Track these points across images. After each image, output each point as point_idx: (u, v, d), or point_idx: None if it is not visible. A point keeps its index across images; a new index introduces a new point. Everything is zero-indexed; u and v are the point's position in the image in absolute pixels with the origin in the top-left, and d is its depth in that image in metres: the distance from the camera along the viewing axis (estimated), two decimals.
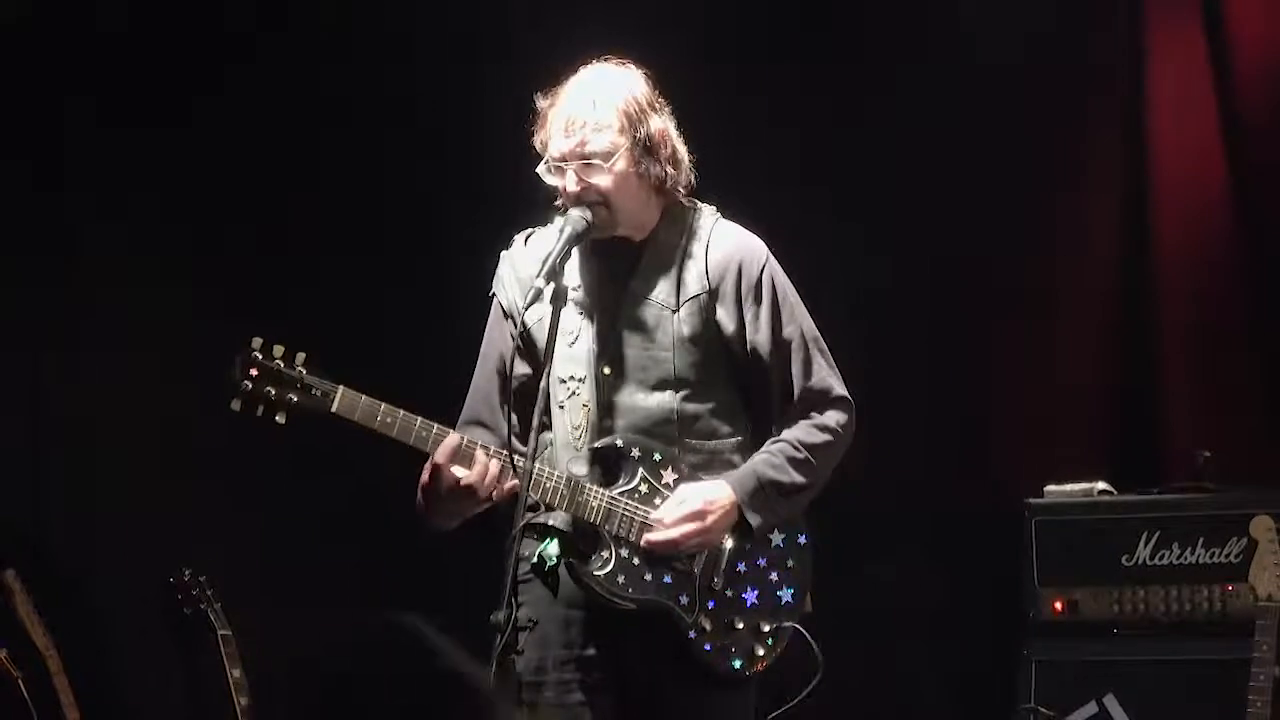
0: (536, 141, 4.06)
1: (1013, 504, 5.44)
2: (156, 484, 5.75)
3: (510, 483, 3.91)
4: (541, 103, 4.07)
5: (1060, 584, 5.35)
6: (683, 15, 5.98)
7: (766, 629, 4.05)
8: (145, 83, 5.85)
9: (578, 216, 3.98)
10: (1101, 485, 5.48)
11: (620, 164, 4.02)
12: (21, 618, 5.37)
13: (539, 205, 4.15)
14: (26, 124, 5.70)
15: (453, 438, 3.91)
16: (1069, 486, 5.46)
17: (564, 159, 4.01)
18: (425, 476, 3.93)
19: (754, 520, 4.01)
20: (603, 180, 4.01)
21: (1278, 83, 5.79)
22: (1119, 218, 6.01)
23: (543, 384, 3.92)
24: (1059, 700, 5.28)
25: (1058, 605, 5.34)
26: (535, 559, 4.03)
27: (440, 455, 3.89)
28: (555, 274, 3.92)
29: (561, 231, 3.97)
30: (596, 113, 4.03)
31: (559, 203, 4.09)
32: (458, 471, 3.90)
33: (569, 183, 4.01)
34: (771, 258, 4.15)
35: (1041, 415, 5.96)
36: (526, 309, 3.99)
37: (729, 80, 6.00)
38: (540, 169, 4.06)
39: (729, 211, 4.21)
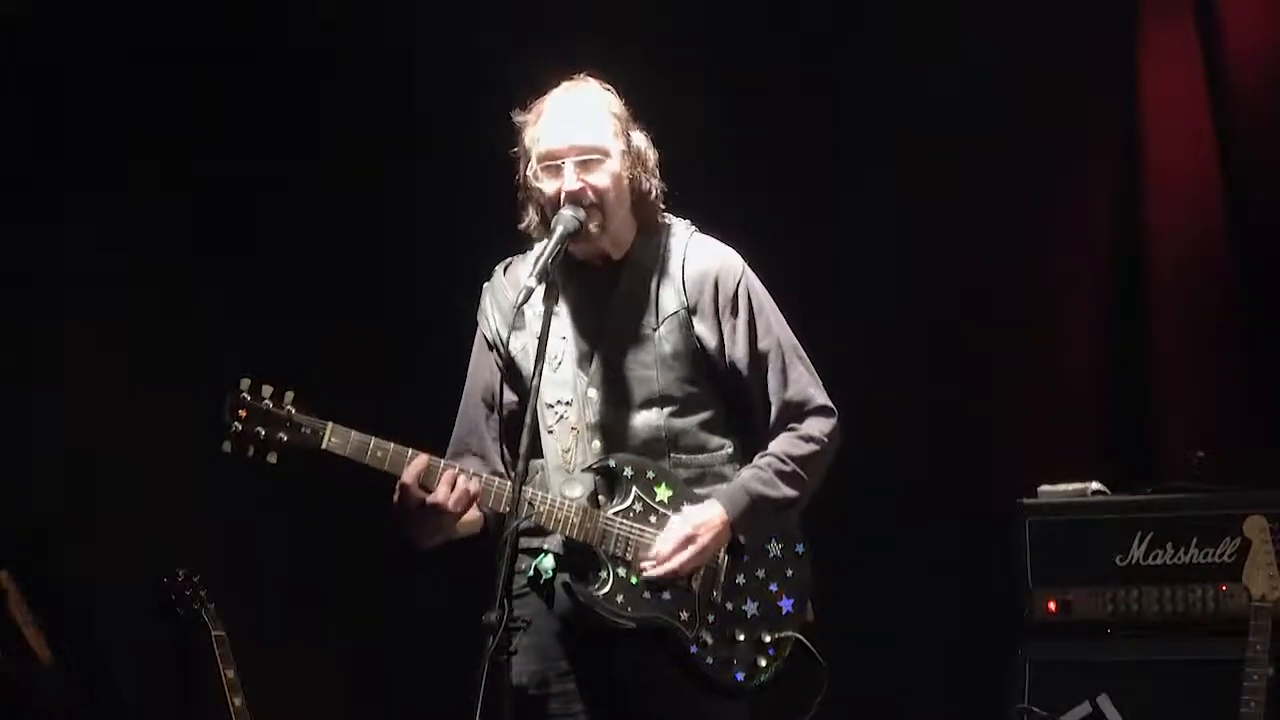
0: (527, 139, 4.05)
1: (1006, 504, 5.45)
2: (151, 485, 5.76)
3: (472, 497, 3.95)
4: (521, 115, 4.07)
5: (1054, 584, 5.34)
6: (682, 20, 5.99)
7: (768, 640, 4.05)
8: (145, 82, 5.86)
9: (569, 215, 3.96)
10: (1095, 485, 5.47)
11: (616, 165, 4.03)
12: (15, 618, 5.37)
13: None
14: (25, 123, 5.71)
15: (421, 459, 3.94)
16: (1062, 487, 5.46)
17: (560, 155, 4.00)
18: (395, 496, 3.95)
19: (744, 538, 4.02)
20: (600, 180, 4.00)
21: (1270, 82, 5.80)
22: (1113, 217, 6.02)
23: (530, 405, 3.88)
24: (1053, 700, 5.28)
25: (1051, 605, 5.34)
26: (531, 572, 4.05)
27: (407, 475, 3.92)
28: (547, 273, 3.91)
29: (553, 231, 3.95)
30: (594, 112, 4.04)
31: (526, 226, 4.10)
32: (424, 492, 3.93)
33: (567, 181, 3.99)
34: (747, 270, 4.14)
35: (1035, 415, 5.97)
36: (514, 321, 4.00)
37: (728, 83, 6.01)
38: (529, 172, 4.05)
39: (722, 223, 4.21)
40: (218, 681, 5.52)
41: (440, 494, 3.92)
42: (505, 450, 4.08)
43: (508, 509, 3.87)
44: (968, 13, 5.98)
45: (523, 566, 4.04)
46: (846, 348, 5.42)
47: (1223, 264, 5.87)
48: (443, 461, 3.98)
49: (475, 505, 3.98)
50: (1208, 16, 5.87)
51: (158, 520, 5.74)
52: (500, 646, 3.70)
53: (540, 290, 3.91)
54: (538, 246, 4.11)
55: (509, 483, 3.94)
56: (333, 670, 5.99)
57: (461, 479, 3.94)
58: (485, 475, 3.99)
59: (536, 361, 3.90)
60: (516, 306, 3.93)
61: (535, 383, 3.89)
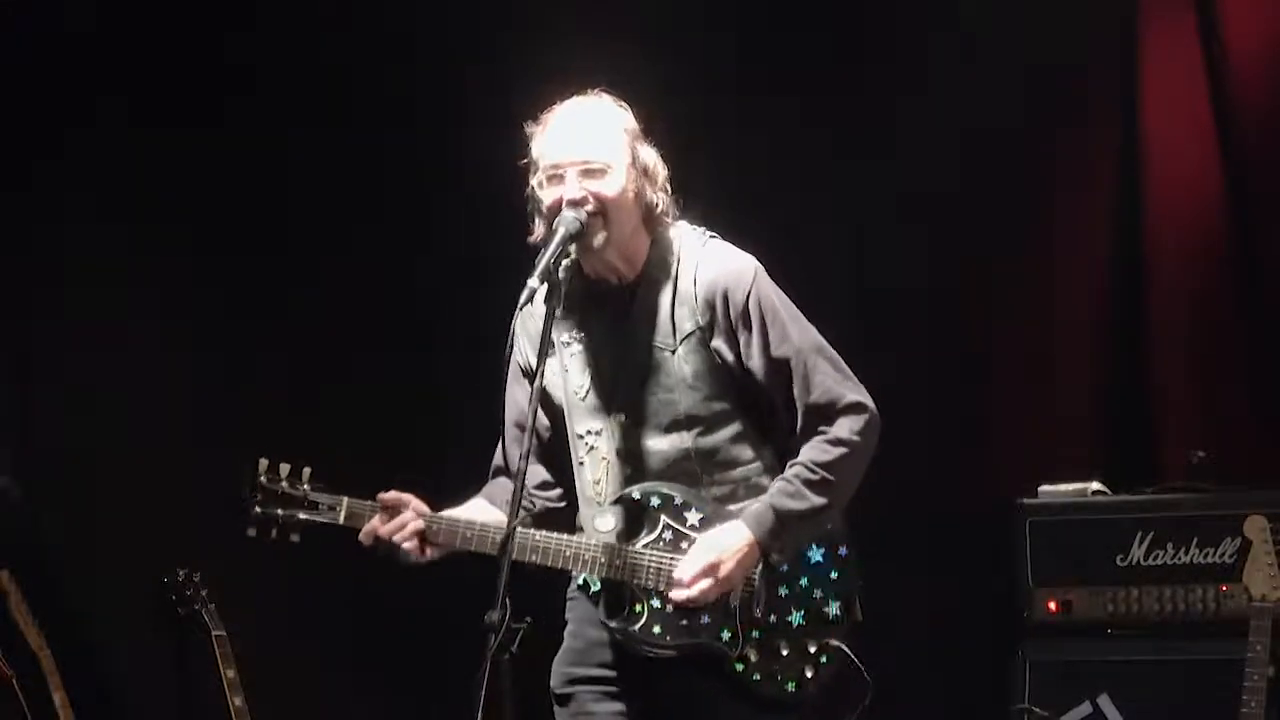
0: (534, 150, 4.02)
1: (1007, 504, 5.44)
2: (153, 484, 5.75)
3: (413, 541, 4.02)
4: (532, 127, 4.04)
5: (1054, 584, 5.35)
6: (682, 18, 5.99)
7: (814, 649, 4.01)
8: (145, 84, 5.86)
9: (571, 216, 3.93)
10: (1095, 485, 5.48)
11: (621, 178, 3.99)
12: (15, 618, 5.37)
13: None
14: (25, 123, 5.71)
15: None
16: (1063, 486, 5.46)
17: (563, 165, 3.97)
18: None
19: (775, 558, 3.97)
20: (604, 188, 3.96)
21: (1272, 82, 5.80)
22: (1113, 217, 6.02)
23: (531, 405, 3.89)
24: (1053, 700, 5.28)
25: (1052, 605, 5.34)
26: (580, 581, 4.08)
27: (364, 534, 4.04)
28: (549, 274, 3.89)
29: (555, 231, 3.93)
30: (599, 126, 4.01)
31: (535, 239, 4.05)
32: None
33: (569, 190, 3.95)
34: (760, 276, 4.05)
35: (1036, 415, 5.97)
36: (547, 357, 3.99)
37: (727, 81, 6.01)
38: (534, 181, 4.02)
39: (722, 225, 4.17)
40: (218, 681, 5.52)
41: (385, 527, 4.00)
42: (544, 472, 4.13)
43: (491, 551, 3.93)
44: (968, 12, 5.97)
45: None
46: (846, 348, 5.43)
47: (1223, 264, 5.86)
48: (402, 499, 4.03)
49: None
50: (1208, 16, 5.87)
51: (158, 520, 5.74)
52: (502, 646, 3.70)
53: (542, 290, 3.90)
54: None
55: (482, 525, 4.00)
56: (333, 670, 5.99)
57: (407, 521, 3.99)
58: (462, 521, 4.03)
59: (538, 363, 3.92)
60: (519, 306, 3.90)
61: (537, 384, 3.90)
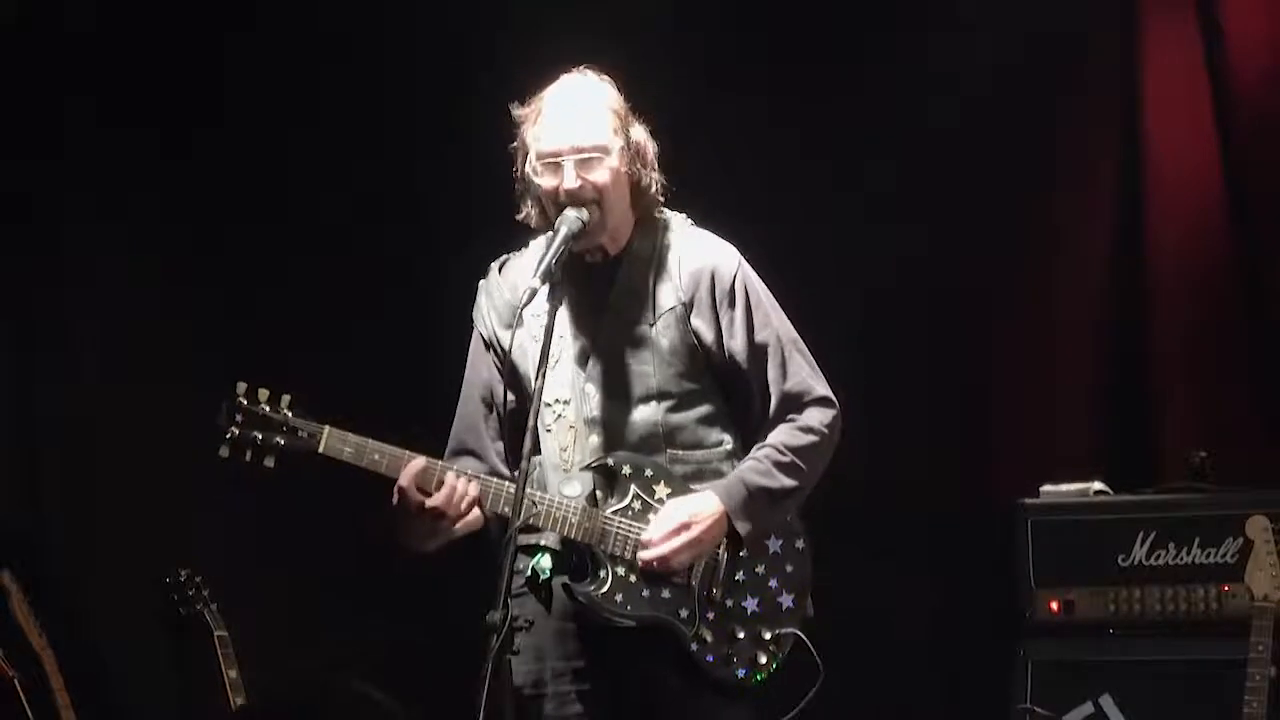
0: (527, 137, 4.05)
1: (1008, 504, 5.44)
2: (153, 484, 5.75)
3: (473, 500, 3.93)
4: (520, 110, 4.07)
5: (1056, 584, 5.35)
6: (683, 17, 5.99)
7: (768, 636, 4.05)
8: (145, 83, 5.86)
9: (573, 217, 3.96)
10: (1097, 485, 5.48)
11: (615, 161, 4.03)
12: (17, 618, 5.37)
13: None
14: (25, 123, 5.71)
15: (418, 461, 3.94)
16: (1065, 487, 5.46)
17: (560, 154, 4.00)
18: (394, 499, 3.95)
19: (743, 529, 4.01)
20: (600, 176, 4.00)
21: (1272, 82, 5.80)
22: (1114, 217, 6.02)
23: (534, 404, 3.89)
24: (1055, 700, 5.28)
25: (1054, 605, 5.34)
26: (529, 573, 4.05)
27: (404, 478, 3.92)
28: (551, 274, 3.92)
29: (556, 231, 3.96)
30: (593, 110, 4.03)
31: (524, 218, 4.09)
32: (421, 495, 3.93)
33: (567, 179, 3.99)
34: (744, 263, 4.14)
35: (1037, 415, 5.97)
36: (512, 321, 3.99)
37: (729, 81, 6.01)
38: (529, 168, 4.04)
39: (720, 223, 4.20)
40: (218, 681, 5.52)
41: (439, 498, 3.93)
42: (504, 449, 4.09)
43: (507, 509, 3.89)
44: (967, 12, 5.97)
45: (520, 566, 4.05)
46: (846, 347, 5.45)
47: (1224, 262, 5.86)
48: (440, 464, 3.98)
49: (476, 506, 3.98)
50: (1208, 15, 5.87)
51: (158, 520, 5.74)
52: (504, 646, 3.70)
53: (544, 291, 3.92)
54: (534, 245, 4.13)
55: (506, 483, 3.96)
56: (333, 671, 5.98)
57: (461, 482, 3.93)
58: (483, 476, 4.00)
59: (540, 364, 3.91)
60: (519, 308, 3.92)
61: (539, 384, 3.90)
